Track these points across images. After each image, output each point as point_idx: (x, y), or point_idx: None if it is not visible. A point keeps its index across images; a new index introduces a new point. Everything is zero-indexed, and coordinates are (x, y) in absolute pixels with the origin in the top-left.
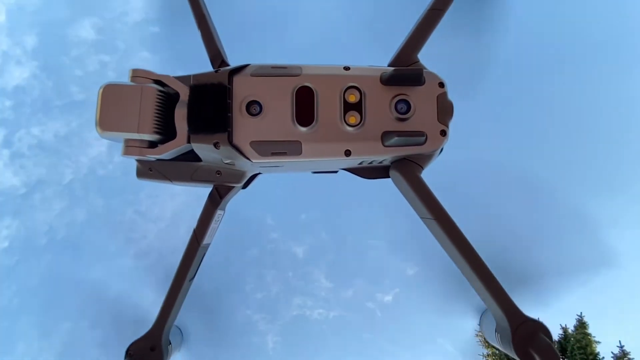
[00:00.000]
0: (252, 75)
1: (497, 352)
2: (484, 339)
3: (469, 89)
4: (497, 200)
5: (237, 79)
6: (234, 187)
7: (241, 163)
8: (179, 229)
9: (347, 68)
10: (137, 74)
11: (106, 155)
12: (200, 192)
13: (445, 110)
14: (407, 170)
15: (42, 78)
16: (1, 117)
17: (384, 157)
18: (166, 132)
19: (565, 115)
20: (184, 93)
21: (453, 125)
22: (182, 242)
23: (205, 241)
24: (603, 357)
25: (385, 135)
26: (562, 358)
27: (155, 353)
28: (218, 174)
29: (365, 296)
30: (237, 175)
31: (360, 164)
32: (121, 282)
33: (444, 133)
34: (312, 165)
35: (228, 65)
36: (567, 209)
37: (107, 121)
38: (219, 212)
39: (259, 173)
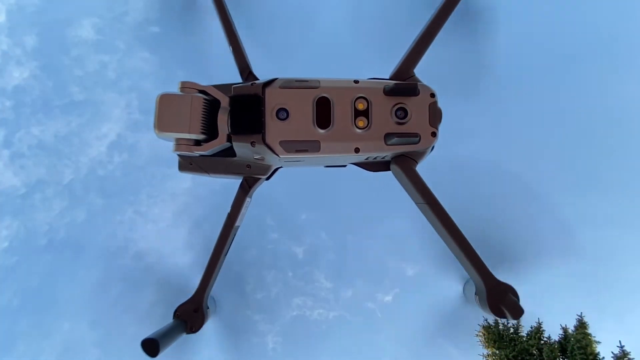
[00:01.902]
0: (280, 87)
1: (497, 352)
2: (485, 339)
3: (467, 92)
4: (496, 200)
5: (268, 91)
6: (260, 178)
7: (270, 158)
8: (179, 229)
9: (356, 81)
10: (185, 85)
11: (106, 155)
12: (200, 194)
13: (435, 116)
14: (405, 164)
15: (42, 78)
16: (1, 117)
17: (386, 153)
18: (209, 132)
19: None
20: (224, 101)
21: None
22: (182, 242)
23: (236, 223)
24: (603, 357)
25: (387, 136)
26: (562, 358)
27: (198, 314)
28: (248, 167)
29: (365, 296)
30: (264, 169)
31: (366, 159)
32: (121, 282)
33: (434, 134)
34: (326, 161)
35: (254, 75)
36: (567, 209)
37: (163, 124)
38: (247, 199)
39: (281, 167)
